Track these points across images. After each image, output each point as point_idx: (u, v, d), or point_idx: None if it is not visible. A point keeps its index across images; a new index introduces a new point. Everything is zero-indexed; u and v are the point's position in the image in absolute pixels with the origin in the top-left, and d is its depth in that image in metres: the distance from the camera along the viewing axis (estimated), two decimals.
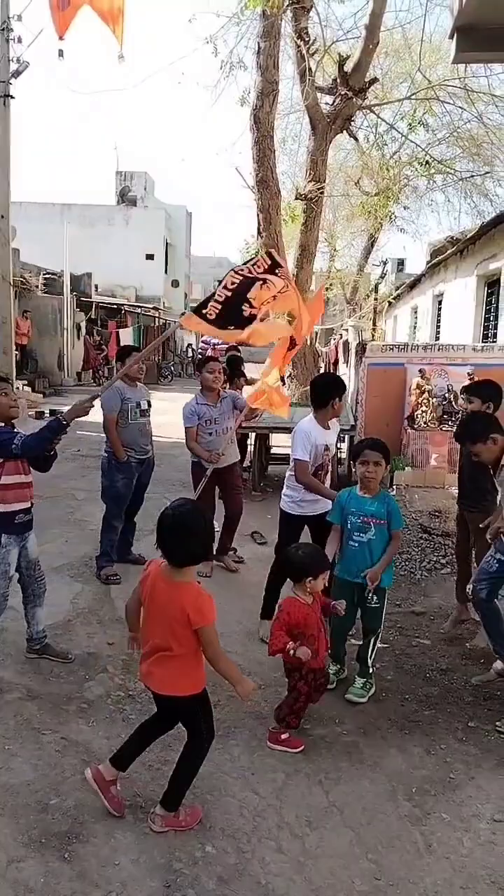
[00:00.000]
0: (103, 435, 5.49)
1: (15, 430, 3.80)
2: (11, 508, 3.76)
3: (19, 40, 12.54)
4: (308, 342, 12.65)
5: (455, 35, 7.59)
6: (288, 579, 3.85)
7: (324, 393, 4.29)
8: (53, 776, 3.05)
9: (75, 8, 6.78)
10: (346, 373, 10.70)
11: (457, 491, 4.72)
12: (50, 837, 2.69)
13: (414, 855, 2.70)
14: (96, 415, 5.49)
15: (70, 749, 3.25)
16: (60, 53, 8.11)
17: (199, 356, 32.59)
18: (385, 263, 20.37)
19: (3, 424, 3.75)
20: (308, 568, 3.37)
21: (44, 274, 20.84)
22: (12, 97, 12.36)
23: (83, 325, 22.47)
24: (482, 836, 2.79)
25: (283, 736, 3.34)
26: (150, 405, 5.64)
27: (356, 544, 3.78)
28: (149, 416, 5.63)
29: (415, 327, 16.05)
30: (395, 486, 7.21)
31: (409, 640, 4.55)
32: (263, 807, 2.94)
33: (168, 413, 15.30)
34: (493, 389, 4.37)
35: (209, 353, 29.04)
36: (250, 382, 7.00)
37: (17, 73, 12.53)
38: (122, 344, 21.46)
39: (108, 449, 5.43)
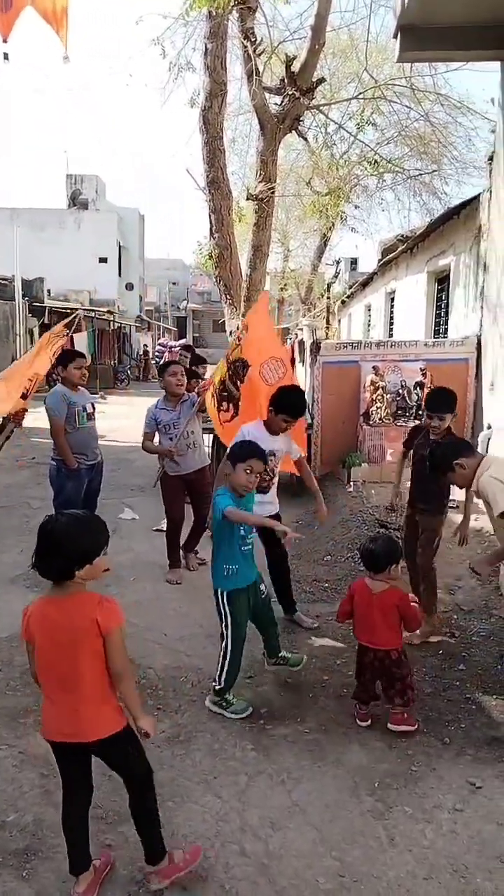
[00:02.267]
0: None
1: None
2: None
3: None
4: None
5: (399, 34, 7.67)
6: None
7: (281, 404, 4.32)
8: (10, 792, 2.98)
9: (17, 10, 6.66)
10: (302, 371, 10.74)
11: (408, 492, 4.72)
12: (7, 856, 2.62)
13: (377, 849, 2.70)
14: (45, 420, 5.39)
15: (27, 763, 3.17)
16: (6, 56, 7.95)
17: (156, 358, 32.31)
18: (338, 263, 20.56)
19: None
20: (391, 557, 3.51)
21: None
22: None
23: (36, 330, 22.10)
24: (444, 827, 2.82)
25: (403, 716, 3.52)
26: (94, 408, 5.57)
27: (249, 548, 3.71)
28: (94, 419, 5.56)
29: (369, 325, 16.21)
30: (352, 483, 7.26)
31: None
32: (226, 810, 2.91)
33: (124, 417, 15.22)
34: (453, 399, 4.38)
35: (166, 355, 28.87)
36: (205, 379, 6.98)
37: None
38: (76, 348, 21.23)
39: (56, 457, 5.32)
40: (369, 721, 3.54)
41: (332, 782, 3.10)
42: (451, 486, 4.12)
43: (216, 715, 3.58)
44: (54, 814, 2.83)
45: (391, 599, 3.49)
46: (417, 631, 4.03)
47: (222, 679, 3.59)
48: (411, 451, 4.67)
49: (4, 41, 7.96)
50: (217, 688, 3.61)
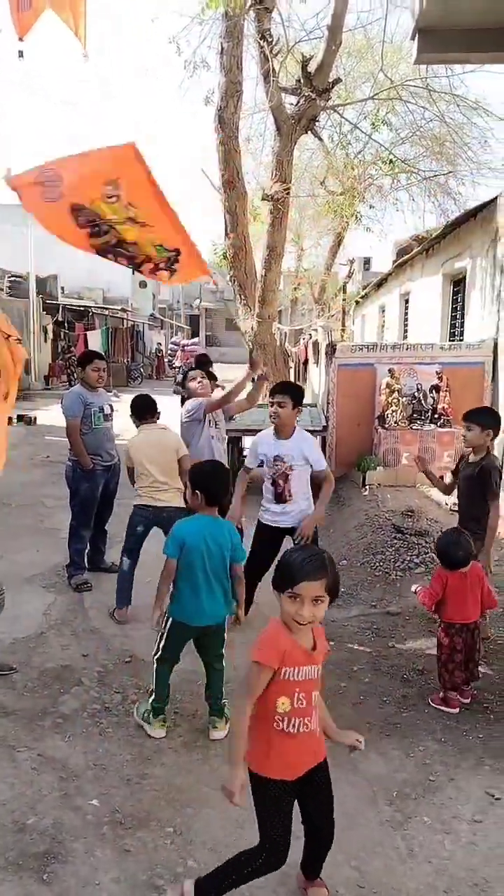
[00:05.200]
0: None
1: None
2: None
3: None
4: (278, 342, 12.66)
5: (416, 36, 7.66)
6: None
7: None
8: (30, 795, 2.99)
9: (36, 11, 6.71)
10: (317, 373, 10.72)
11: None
12: (27, 858, 2.63)
13: (396, 860, 2.70)
14: (59, 418, 5.40)
15: (46, 766, 3.19)
16: (20, 54, 7.99)
17: (169, 357, 32.34)
18: (352, 262, 20.49)
19: None
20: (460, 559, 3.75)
21: (9, 277, 20.54)
22: None
23: (50, 328, 22.21)
24: (463, 838, 2.81)
25: (441, 695, 3.79)
26: (112, 409, 5.56)
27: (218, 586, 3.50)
28: (111, 420, 5.54)
29: (383, 326, 16.16)
30: (367, 486, 7.24)
31: (386, 641, 4.56)
32: (244, 818, 2.90)
33: None
34: (492, 418, 4.31)
35: (178, 355, 28.91)
36: (221, 386, 6.93)
37: None
38: (89, 346, 21.29)
39: (73, 457, 5.33)
40: (469, 699, 3.81)
41: (350, 791, 3.09)
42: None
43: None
44: (74, 817, 2.86)
45: (478, 571, 3.82)
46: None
47: (151, 691, 3.51)
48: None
49: (21, 39, 8.01)
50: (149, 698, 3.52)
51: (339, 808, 2.95)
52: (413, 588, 4.11)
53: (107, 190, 4.36)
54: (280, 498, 4.46)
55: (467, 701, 3.81)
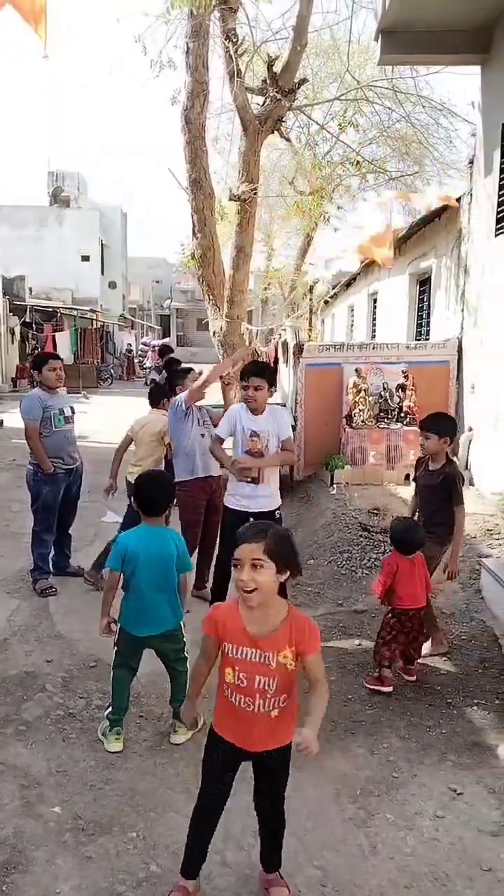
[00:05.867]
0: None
1: None
2: None
3: None
4: (248, 342, 12.66)
5: (380, 37, 7.70)
6: None
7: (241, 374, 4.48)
8: None
9: None
10: (285, 372, 10.75)
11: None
12: None
13: (359, 857, 2.71)
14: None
15: (8, 774, 3.14)
16: None
17: (140, 357, 32.05)
18: (324, 263, 20.54)
19: None
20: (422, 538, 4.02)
21: None
22: None
23: (17, 329, 21.93)
24: (426, 834, 2.83)
25: (377, 674, 3.95)
26: (73, 411, 5.49)
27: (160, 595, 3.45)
28: (73, 422, 5.48)
29: (352, 326, 16.26)
30: (335, 485, 7.28)
31: (352, 639, 4.59)
32: None
33: (107, 417, 15.14)
34: (448, 424, 4.32)
35: (150, 354, 28.70)
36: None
37: None
38: (58, 348, 21.07)
39: (33, 461, 5.27)
40: (415, 677, 4.02)
41: (313, 790, 3.10)
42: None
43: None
44: (35, 825, 2.82)
45: (421, 558, 4.00)
46: (436, 650, 4.34)
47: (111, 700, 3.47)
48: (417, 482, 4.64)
49: None
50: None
51: (302, 807, 2.98)
52: (372, 586, 4.16)
53: None
54: (255, 480, 4.35)
55: (413, 679, 4.02)
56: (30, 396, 5.29)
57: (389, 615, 3.99)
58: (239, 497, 4.45)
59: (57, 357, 5.53)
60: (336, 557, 5.75)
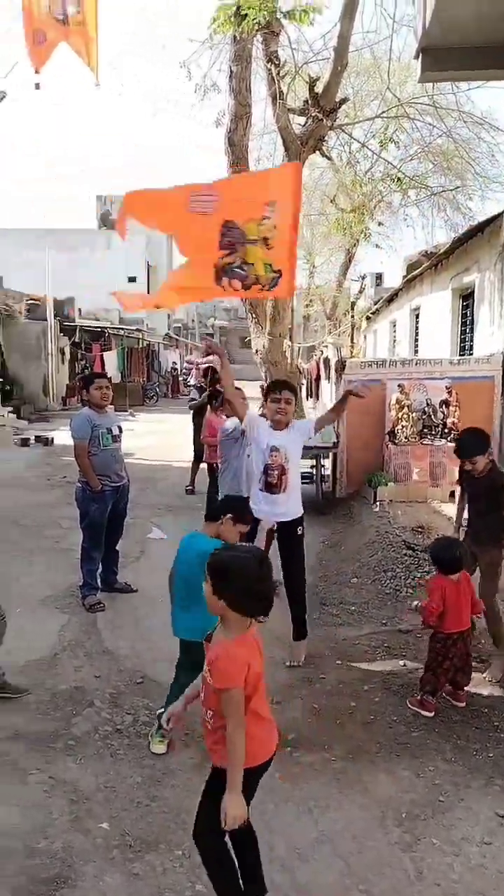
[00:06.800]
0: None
1: None
2: None
3: None
4: (290, 359, 12.72)
5: (420, 55, 7.74)
6: None
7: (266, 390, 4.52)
8: (41, 818, 3.02)
9: (51, 44, 6.93)
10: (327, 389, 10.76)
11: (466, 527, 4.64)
12: (37, 884, 2.66)
13: (405, 882, 2.69)
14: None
15: (58, 789, 3.22)
16: (37, 86, 8.22)
17: (184, 375, 32.41)
18: (363, 278, 20.56)
19: None
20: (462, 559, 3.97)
21: (27, 300, 20.86)
22: None
23: (67, 349, 22.49)
24: (472, 860, 2.79)
25: (419, 698, 3.90)
26: (121, 430, 5.62)
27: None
28: (120, 441, 5.60)
29: (394, 341, 16.18)
30: (378, 502, 7.24)
31: (396, 660, 4.55)
32: None
33: (153, 435, 15.37)
34: (484, 440, 4.33)
35: (193, 372, 29.04)
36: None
37: None
38: (106, 367, 21.52)
39: (82, 479, 5.41)
40: (464, 703, 3.94)
41: (358, 812, 3.09)
42: None
43: None
44: (84, 840, 2.88)
45: (466, 577, 3.99)
46: (492, 675, 4.27)
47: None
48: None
49: (37, 72, 8.26)
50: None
51: (347, 829, 2.98)
52: (412, 604, 4.12)
53: (266, 211, 4.51)
54: (271, 487, 4.34)
55: (462, 704, 3.94)
56: (79, 416, 5.45)
57: (434, 641, 3.94)
58: (258, 504, 4.36)
59: (104, 376, 5.68)
60: (380, 576, 5.72)
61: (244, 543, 2.48)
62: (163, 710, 3.46)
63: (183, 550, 3.44)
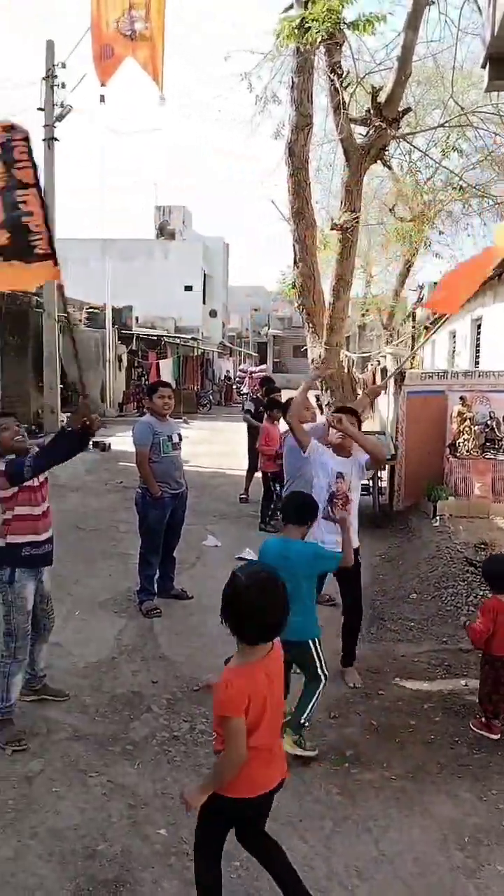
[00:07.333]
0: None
1: (28, 455, 3.66)
2: (18, 540, 3.61)
3: (63, 86, 13.08)
4: (346, 369, 12.64)
5: (487, 64, 7.62)
6: None
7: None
8: (100, 821, 3.05)
9: (118, 59, 7.11)
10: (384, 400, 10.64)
11: None
12: (97, 885, 2.68)
13: None
14: (132, 445, 5.56)
15: (116, 792, 3.24)
16: (102, 99, 8.42)
17: (237, 384, 32.56)
18: (421, 288, 20.28)
19: (13, 456, 3.64)
20: None
21: (86, 308, 21.33)
22: (56, 140, 12.82)
23: (125, 357, 22.87)
24: None
25: (483, 720, 3.81)
26: (181, 438, 5.67)
27: None
28: (180, 449, 5.65)
29: (454, 352, 15.89)
30: (438, 517, 7.10)
31: (457, 679, 4.43)
32: (312, 856, 2.88)
33: (207, 443, 15.47)
34: None
35: (246, 381, 29.14)
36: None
37: (60, 118, 13.02)
38: (161, 375, 21.80)
39: (142, 485, 5.47)
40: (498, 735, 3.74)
41: (419, 834, 3.02)
42: None
43: (299, 756, 3.54)
44: (142, 846, 2.89)
45: None
46: None
47: (310, 716, 3.56)
48: None
49: (103, 85, 8.47)
50: (306, 724, 3.57)
51: (409, 851, 2.91)
52: (464, 622, 4.01)
53: None
54: (333, 518, 4.25)
55: (495, 736, 3.76)
56: (142, 423, 5.52)
57: (483, 662, 3.83)
58: (321, 534, 4.21)
59: (167, 385, 5.75)
60: (440, 593, 5.59)
61: (260, 565, 2.40)
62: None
63: (274, 554, 3.48)
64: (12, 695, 3.63)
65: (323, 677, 3.59)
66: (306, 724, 3.56)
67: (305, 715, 3.54)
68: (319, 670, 3.58)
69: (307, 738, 3.58)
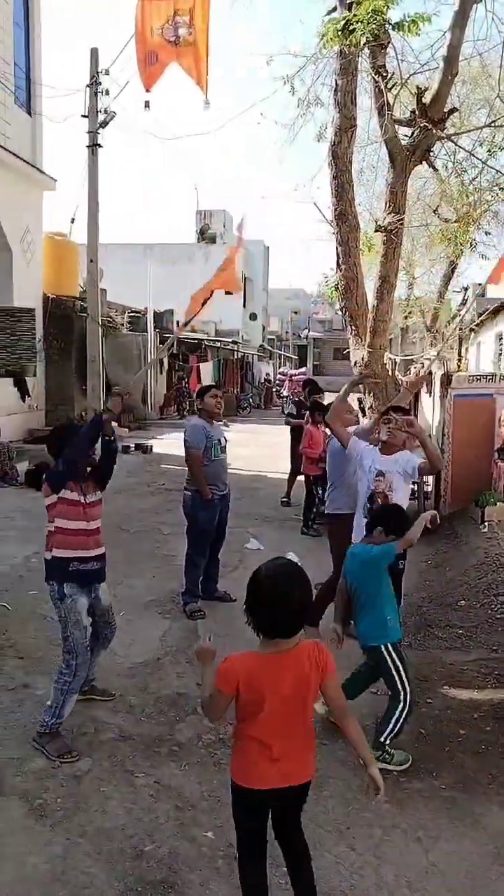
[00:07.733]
0: (185, 468, 5.59)
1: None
2: (65, 554, 3.57)
3: (107, 93, 13.25)
4: (388, 372, 12.51)
5: None
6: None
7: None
8: (147, 821, 3.06)
9: (163, 65, 7.20)
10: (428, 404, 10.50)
11: None
12: (145, 886, 2.69)
13: None
14: (173, 447, 5.62)
15: (163, 793, 3.25)
16: (147, 105, 8.50)
17: (277, 387, 32.59)
18: (466, 290, 19.97)
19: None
20: None
21: (128, 312, 21.58)
22: (100, 146, 13.01)
23: (165, 360, 23.07)
24: None
25: None
26: (226, 441, 5.71)
27: None
28: (226, 452, 5.70)
29: (500, 355, 15.60)
30: (486, 523, 6.95)
31: None
32: (361, 864, 2.84)
33: (246, 445, 15.48)
34: None
35: (286, 384, 29.12)
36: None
37: (104, 124, 13.20)
38: (202, 378, 21.95)
39: (190, 487, 5.48)
40: None
41: (471, 845, 2.95)
42: None
43: (347, 762, 3.49)
44: (189, 848, 2.89)
45: None
46: None
47: (390, 735, 3.46)
48: None
49: (147, 91, 8.55)
50: (391, 739, 3.47)
51: (460, 863, 2.85)
52: None
53: None
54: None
55: None
56: (194, 426, 5.54)
57: None
58: (361, 536, 4.19)
59: (218, 387, 5.83)
60: (489, 600, 5.48)
61: (288, 560, 2.35)
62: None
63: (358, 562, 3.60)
64: (65, 711, 3.53)
65: (402, 692, 3.42)
66: (387, 742, 3.43)
67: (385, 735, 3.42)
68: (399, 684, 3.43)
69: (392, 748, 3.47)
